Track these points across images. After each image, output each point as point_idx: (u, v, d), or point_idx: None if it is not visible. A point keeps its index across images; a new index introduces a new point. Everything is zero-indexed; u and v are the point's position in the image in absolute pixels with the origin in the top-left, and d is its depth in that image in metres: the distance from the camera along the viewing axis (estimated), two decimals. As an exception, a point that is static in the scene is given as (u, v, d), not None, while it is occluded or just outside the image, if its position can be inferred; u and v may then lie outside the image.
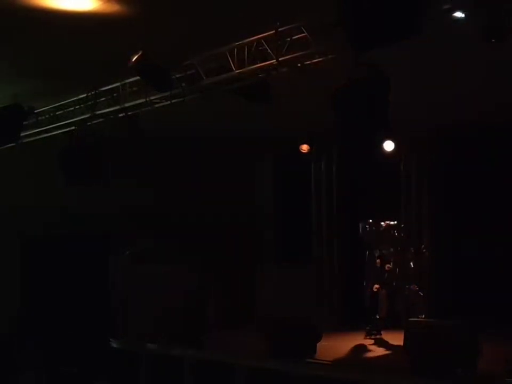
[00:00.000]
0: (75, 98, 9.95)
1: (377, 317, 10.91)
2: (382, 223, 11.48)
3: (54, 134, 10.52)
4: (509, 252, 11.26)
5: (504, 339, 9.62)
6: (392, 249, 11.35)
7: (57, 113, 10.35)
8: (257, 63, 7.73)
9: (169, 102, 8.96)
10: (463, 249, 11.83)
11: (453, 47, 7.69)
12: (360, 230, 11.31)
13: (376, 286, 10.87)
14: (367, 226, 11.18)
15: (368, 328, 11.02)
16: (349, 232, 13.57)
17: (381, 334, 10.86)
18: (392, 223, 11.50)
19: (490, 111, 10.75)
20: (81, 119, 9.93)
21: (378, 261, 10.96)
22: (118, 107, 9.39)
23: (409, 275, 11.21)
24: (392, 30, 5.93)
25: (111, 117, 9.59)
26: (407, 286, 10.94)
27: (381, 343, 10.64)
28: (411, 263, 11.79)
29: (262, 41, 7.55)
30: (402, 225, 11.72)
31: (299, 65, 7.51)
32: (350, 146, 11.19)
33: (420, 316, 10.18)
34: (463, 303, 11.17)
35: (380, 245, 11.17)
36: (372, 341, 10.76)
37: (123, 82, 9.20)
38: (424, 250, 11.89)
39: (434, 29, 6.30)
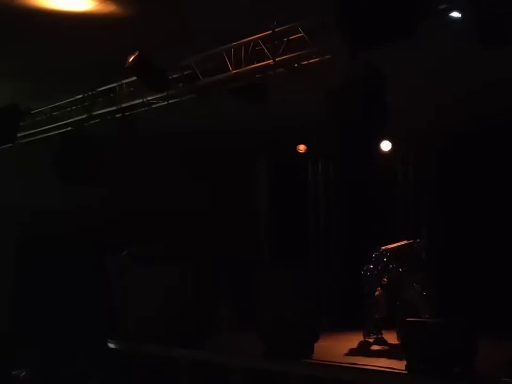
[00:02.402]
0: (72, 99, 9.96)
1: (376, 316, 10.84)
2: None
3: (51, 135, 10.53)
4: (509, 250, 11.25)
5: (504, 339, 9.61)
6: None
7: (54, 113, 10.35)
8: (254, 63, 7.74)
9: (166, 102, 8.97)
10: (462, 249, 11.83)
11: (451, 47, 7.69)
12: (363, 277, 11.07)
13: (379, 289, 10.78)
14: (368, 272, 10.93)
15: (366, 328, 10.97)
16: (347, 232, 13.57)
17: (381, 334, 10.78)
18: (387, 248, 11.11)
19: (489, 111, 10.75)
20: (78, 119, 9.94)
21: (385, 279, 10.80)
22: (114, 107, 9.39)
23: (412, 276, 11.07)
24: (389, 29, 5.93)
25: (108, 117, 9.59)
26: (414, 284, 10.81)
27: (378, 343, 10.62)
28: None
29: (259, 41, 7.56)
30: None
31: (296, 65, 7.51)
32: (348, 146, 11.17)
33: (424, 316, 10.11)
34: (462, 303, 11.17)
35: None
36: (370, 341, 10.73)
37: (120, 82, 9.20)
38: (422, 242, 11.78)
39: (431, 29, 6.31)
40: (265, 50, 7.51)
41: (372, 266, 10.74)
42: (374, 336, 10.72)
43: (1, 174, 12.47)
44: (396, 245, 10.94)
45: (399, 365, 8.57)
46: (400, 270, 10.58)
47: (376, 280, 10.67)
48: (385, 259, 10.61)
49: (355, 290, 11.14)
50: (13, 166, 12.37)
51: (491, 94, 9.90)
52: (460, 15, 6.21)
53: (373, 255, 10.77)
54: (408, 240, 11.03)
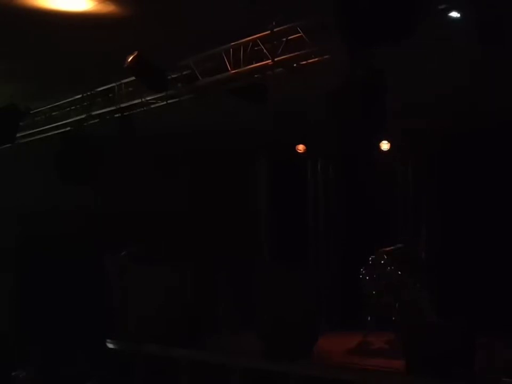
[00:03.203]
0: (71, 99, 9.96)
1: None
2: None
3: (50, 135, 10.53)
4: (509, 250, 11.23)
5: (504, 339, 9.59)
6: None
7: (53, 113, 10.35)
8: (253, 63, 7.74)
9: (165, 103, 8.97)
10: (462, 249, 11.81)
11: (450, 46, 7.68)
12: (361, 280, 10.99)
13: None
14: (367, 276, 10.81)
15: (367, 328, 10.96)
16: (346, 232, 13.55)
17: None
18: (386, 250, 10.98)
19: (488, 111, 10.74)
20: (77, 119, 9.94)
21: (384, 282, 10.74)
22: (113, 107, 9.40)
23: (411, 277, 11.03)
24: (389, 29, 5.92)
25: (107, 117, 9.60)
26: (414, 285, 10.76)
27: (378, 343, 10.62)
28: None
29: (258, 41, 7.56)
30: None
31: (295, 65, 7.51)
32: (347, 146, 11.17)
33: (425, 317, 10.08)
34: (462, 303, 11.15)
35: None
36: (369, 341, 10.73)
37: (119, 82, 9.21)
38: (420, 243, 11.75)
39: (431, 29, 6.30)
40: (264, 50, 7.51)
41: (369, 269, 10.69)
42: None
43: (1, 174, 12.47)
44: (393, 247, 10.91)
45: (399, 365, 8.58)
46: (399, 272, 10.54)
47: (375, 283, 10.63)
48: (382, 261, 10.57)
49: (355, 290, 11.14)
50: (13, 166, 12.36)
51: (491, 94, 9.89)
52: (459, 15, 6.21)
53: (370, 258, 10.73)
54: (406, 241, 11.02)
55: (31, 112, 10.44)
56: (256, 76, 7.92)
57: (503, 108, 10.40)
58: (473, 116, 10.88)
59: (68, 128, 10.16)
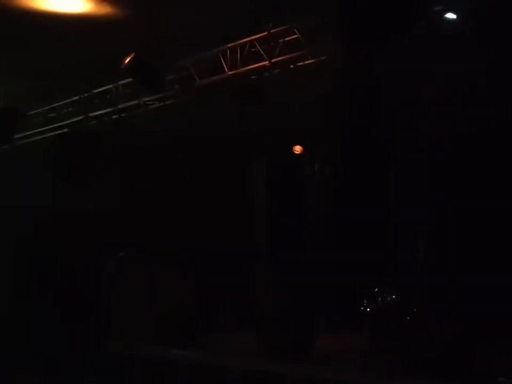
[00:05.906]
0: (68, 100, 9.97)
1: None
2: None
3: (48, 136, 10.54)
4: (508, 250, 11.22)
5: (503, 339, 9.61)
6: None
7: (50, 115, 10.35)
8: (250, 65, 7.75)
9: (162, 104, 8.98)
10: (462, 249, 11.80)
11: (449, 46, 7.68)
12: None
13: None
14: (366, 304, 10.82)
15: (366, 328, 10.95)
16: (345, 232, 13.54)
17: None
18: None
19: (488, 112, 10.72)
20: (74, 121, 9.95)
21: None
22: (111, 109, 9.40)
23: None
24: (385, 28, 5.93)
25: (105, 118, 9.61)
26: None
27: (377, 344, 10.61)
28: None
29: (255, 42, 7.56)
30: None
31: (291, 66, 7.52)
32: (345, 146, 11.17)
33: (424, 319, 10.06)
34: (461, 303, 11.15)
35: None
36: (368, 342, 10.72)
37: (116, 84, 9.21)
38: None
39: (429, 29, 6.32)
40: (261, 52, 7.52)
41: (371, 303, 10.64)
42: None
43: (0, 175, 12.48)
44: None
45: (397, 365, 8.58)
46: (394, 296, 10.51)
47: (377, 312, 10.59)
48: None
49: (354, 290, 11.15)
50: (12, 166, 12.36)
51: (490, 94, 9.87)
52: (455, 16, 6.21)
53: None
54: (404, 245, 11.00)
55: (28, 113, 10.44)
56: (253, 77, 7.93)
57: (504, 108, 10.38)
58: (473, 115, 10.86)
59: (66, 130, 10.16)
